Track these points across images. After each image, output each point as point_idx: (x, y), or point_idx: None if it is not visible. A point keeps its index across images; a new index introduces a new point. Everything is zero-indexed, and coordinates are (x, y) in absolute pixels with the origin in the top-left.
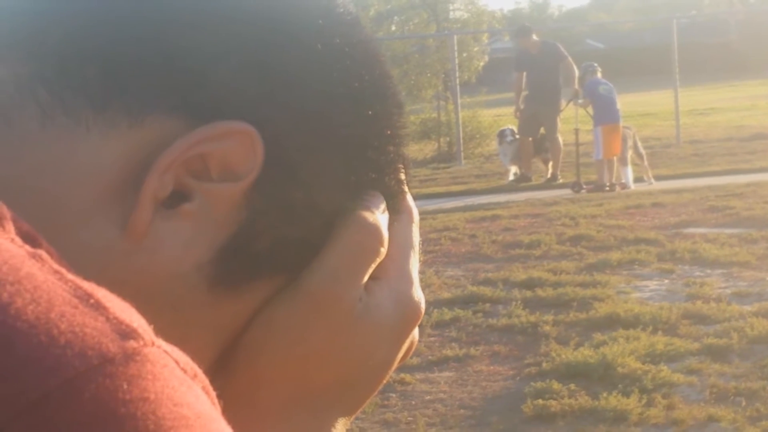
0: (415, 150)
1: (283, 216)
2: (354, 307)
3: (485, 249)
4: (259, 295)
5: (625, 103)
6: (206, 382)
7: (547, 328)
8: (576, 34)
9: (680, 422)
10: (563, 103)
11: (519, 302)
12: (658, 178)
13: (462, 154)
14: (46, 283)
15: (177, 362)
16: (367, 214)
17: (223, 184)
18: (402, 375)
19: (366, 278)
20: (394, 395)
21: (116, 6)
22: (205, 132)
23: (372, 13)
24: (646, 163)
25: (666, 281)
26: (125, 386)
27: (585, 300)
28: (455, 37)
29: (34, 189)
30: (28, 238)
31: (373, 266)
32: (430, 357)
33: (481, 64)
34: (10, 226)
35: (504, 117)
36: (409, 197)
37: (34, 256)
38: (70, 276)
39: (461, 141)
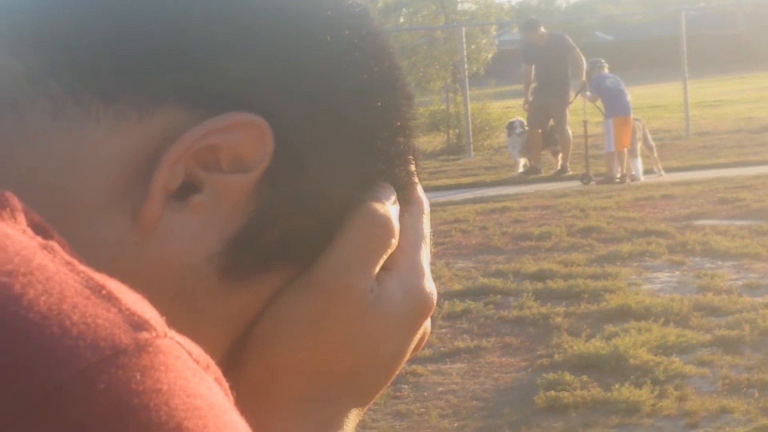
0: (424, 142)
1: (293, 207)
2: (365, 299)
3: (495, 241)
4: (269, 287)
5: (634, 95)
6: (219, 373)
7: (558, 319)
8: (584, 26)
9: (692, 413)
10: (572, 94)
11: (530, 294)
12: (667, 170)
13: (471, 146)
14: (58, 274)
15: (190, 353)
16: (378, 206)
17: (233, 175)
18: (414, 366)
19: (377, 269)
20: (406, 387)
21: None
22: (215, 123)
23: (380, 5)
24: (655, 155)
25: (677, 273)
26: (138, 377)
27: (596, 292)
28: (463, 29)
29: (45, 181)
30: (39, 230)
31: (384, 257)
32: (441, 348)
33: (490, 55)
34: (21, 218)
35: (513, 109)
36: (419, 188)
37: (45, 247)
38: (82, 267)
39: (470, 133)
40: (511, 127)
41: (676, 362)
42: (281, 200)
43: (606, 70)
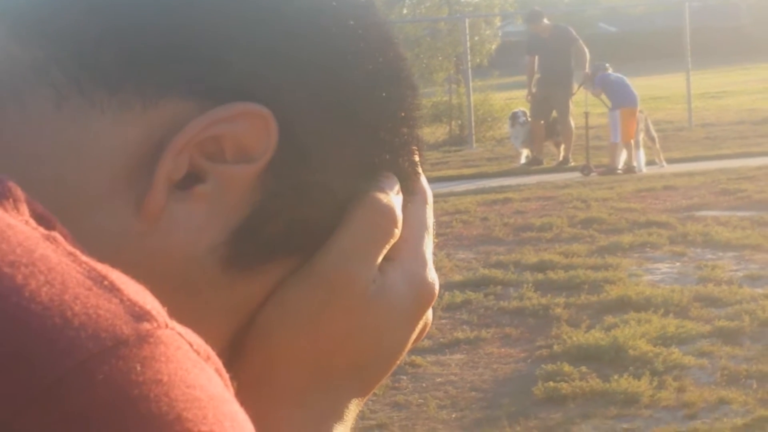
0: (426, 133)
1: (297, 197)
2: (367, 288)
3: (497, 232)
4: (273, 277)
5: (637, 86)
6: (219, 364)
7: (558, 310)
8: (588, 17)
9: (691, 404)
10: (575, 86)
11: (530, 285)
12: (669, 161)
13: (474, 137)
14: (60, 265)
15: (190, 344)
16: (381, 196)
17: (237, 165)
18: (413, 357)
19: (380, 259)
20: (405, 377)
21: None
22: (219, 113)
23: None
24: (658, 146)
25: (677, 264)
26: (138, 368)
27: (596, 283)
28: (467, 20)
29: (48, 171)
30: (42, 220)
31: (387, 247)
32: (441, 339)
33: (493, 47)
34: (24, 208)
35: (516, 100)
36: (423, 179)
37: (48, 238)
38: (84, 258)
39: (473, 124)
40: (514, 117)
41: (676, 353)
42: (285, 191)
43: (610, 71)
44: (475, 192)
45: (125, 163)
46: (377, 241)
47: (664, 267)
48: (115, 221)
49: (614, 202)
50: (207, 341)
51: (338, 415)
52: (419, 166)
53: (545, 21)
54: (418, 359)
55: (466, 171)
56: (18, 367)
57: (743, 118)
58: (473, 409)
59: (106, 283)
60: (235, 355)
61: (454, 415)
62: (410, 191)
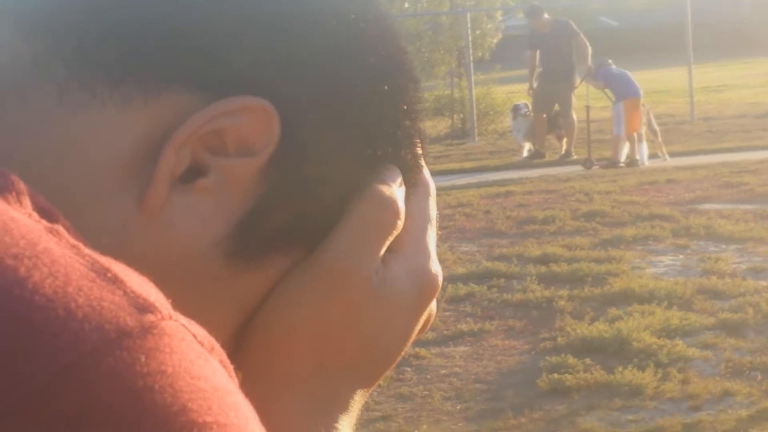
0: (428, 127)
1: (300, 191)
2: (370, 280)
3: (499, 225)
4: (275, 270)
5: (638, 80)
6: (223, 355)
7: (562, 303)
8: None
9: (695, 396)
10: (577, 80)
11: (534, 277)
12: (672, 154)
13: (476, 130)
14: (64, 257)
15: (194, 336)
16: (384, 188)
17: (239, 159)
18: (417, 349)
19: (382, 251)
20: (409, 369)
21: None
22: (221, 107)
23: None
24: (660, 139)
25: (681, 257)
26: (143, 359)
27: (600, 275)
28: (468, 14)
29: (50, 164)
30: (45, 213)
31: (390, 239)
32: (445, 332)
33: (495, 41)
34: (27, 201)
35: (518, 94)
36: (425, 171)
37: (51, 230)
38: (87, 250)
39: (475, 118)
40: (515, 109)
41: (680, 345)
42: (288, 184)
43: (612, 66)
44: (478, 185)
45: (127, 156)
46: (379, 233)
47: (667, 260)
48: (118, 215)
49: (617, 195)
50: (211, 333)
51: (343, 407)
52: (422, 158)
53: (545, 16)
54: (422, 351)
55: (468, 164)
56: (22, 359)
57: (745, 112)
58: (478, 400)
59: (109, 275)
60: (239, 346)
61: (458, 407)
62: (413, 183)
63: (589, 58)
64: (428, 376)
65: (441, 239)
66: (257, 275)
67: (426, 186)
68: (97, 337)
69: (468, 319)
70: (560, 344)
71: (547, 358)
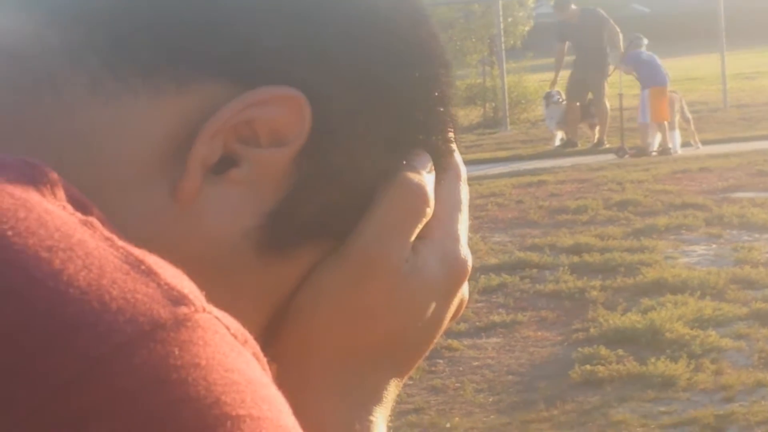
0: (460, 116)
1: (331, 181)
2: (400, 268)
3: (532, 214)
4: (307, 260)
5: (670, 67)
6: (257, 348)
7: (594, 293)
8: None
9: (728, 387)
10: (611, 68)
11: (566, 268)
12: (704, 142)
13: (508, 119)
14: (98, 249)
15: (228, 328)
16: (413, 175)
17: (271, 149)
18: (449, 341)
19: (412, 239)
20: (441, 361)
21: None
22: (252, 97)
23: None
24: (692, 127)
25: (714, 246)
26: (176, 352)
27: (632, 265)
28: (500, 2)
29: (83, 155)
30: (79, 205)
31: (420, 227)
32: (477, 323)
33: (527, 29)
34: (61, 194)
35: (550, 82)
36: (456, 154)
37: (85, 223)
38: (121, 242)
39: (507, 106)
40: (548, 97)
41: (713, 336)
42: (319, 174)
43: (644, 48)
44: (510, 175)
45: (159, 146)
46: (409, 221)
47: (700, 249)
48: (150, 205)
49: (649, 184)
50: (243, 325)
51: (377, 398)
52: (453, 142)
53: (573, 7)
54: (454, 343)
55: (500, 153)
56: (56, 351)
57: None
58: (510, 392)
59: (143, 267)
60: (271, 339)
61: (491, 399)
62: (443, 168)
63: (621, 45)
64: (460, 368)
65: (473, 229)
66: (288, 266)
67: (456, 170)
68: (131, 330)
69: (500, 310)
70: (593, 335)
71: (580, 349)
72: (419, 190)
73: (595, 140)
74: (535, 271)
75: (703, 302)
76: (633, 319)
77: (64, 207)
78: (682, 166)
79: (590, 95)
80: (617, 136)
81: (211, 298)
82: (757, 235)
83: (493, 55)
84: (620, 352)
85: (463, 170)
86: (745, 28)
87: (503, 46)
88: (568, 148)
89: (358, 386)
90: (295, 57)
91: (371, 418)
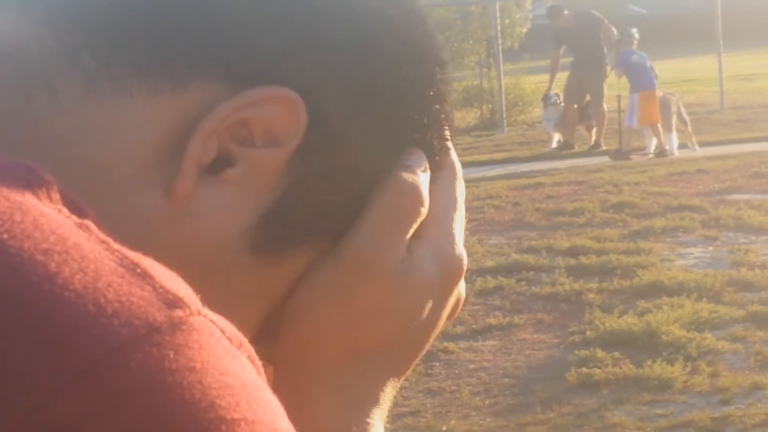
0: (457, 118)
1: (326, 181)
2: (395, 268)
3: (528, 217)
4: (302, 261)
5: (668, 68)
6: (252, 351)
7: (591, 296)
8: None
9: (725, 390)
10: (608, 68)
11: (563, 270)
12: (701, 144)
13: (505, 121)
14: (93, 252)
15: (223, 331)
16: (407, 175)
17: (266, 149)
18: (446, 344)
19: (407, 238)
20: (437, 364)
21: None
22: (247, 97)
23: None
24: (689, 129)
25: (710, 248)
26: (172, 355)
27: (629, 267)
28: (497, 3)
29: (79, 155)
30: (74, 208)
31: (414, 227)
32: (473, 326)
33: (524, 30)
34: (57, 196)
35: (547, 84)
36: (452, 152)
37: (81, 226)
38: (117, 245)
39: (504, 108)
40: (546, 98)
41: (709, 338)
42: (314, 174)
43: (635, 45)
44: (507, 177)
45: (155, 147)
46: (403, 221)
47: (696, 251)
48: (145, 205)
49: (646, 186)
50: (238, 325)
51: (374, 399)
52: (449, 141)
53: (565, 12)
54: (451, 345)
55: (497, 155)
56: (51, 354)
57: None
58: (506, 395)
59: (138, 270)
60: (267, 340)
61: (487, 402)
62: (439, 166)
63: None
64: (457, 371)
65: (470, 232)
66: (283, 266)
67: (452, 167)
68: (126, 333)
69: (496, 312)
70: (589, 338)
71: (576, 351)
72: (413, 190)
73: (592, 142)
74: (531, 273)
75: (700, 304)
76: (629, 321)
77: (59, 210)
78: (679, 168)
79: (588, 97)
80: (614, 138)
81: (207, 299)
82: (753, 237)
83: (490, 56)
84: (617, 354)
85: (459, 168)
86: (742, 29)
87: (500, 47)
88: (565, 150)
89: (354, 387)
90: (290, 57)
91: (368, 419)
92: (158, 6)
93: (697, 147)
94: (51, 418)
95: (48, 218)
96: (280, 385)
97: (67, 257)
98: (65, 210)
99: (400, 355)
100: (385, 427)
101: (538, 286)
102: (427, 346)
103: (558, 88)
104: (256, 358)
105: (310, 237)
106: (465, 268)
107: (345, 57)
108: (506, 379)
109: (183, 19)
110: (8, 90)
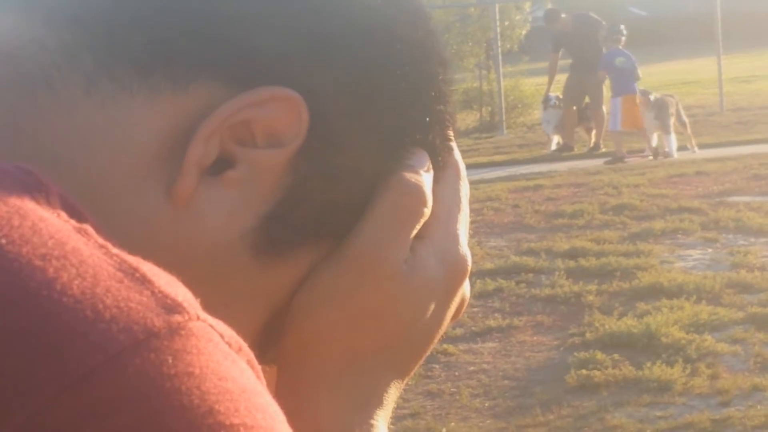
0: (457, 120)
1: (328, 181)
2: (399, 269)
3: (528, 219)
4: (304, 262)
5: (667, 71)
6: (251, 355)
7: (590, 298)
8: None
9: (724, 392)
10: None
11: (562, 272)
12: (701, 146)
13: (504, 123)
14: (92, 257)
15: (222, 336)
16: (410, 175)
17: (267, 150)
18: (445, 346)
19: (411, 239)
20: (437, 366)
21: None
22: (249, 97)
23: None
24: (689, 131)
25: (710, 250)
26: (170, 360)
27: (628, 269)
28: (497, 5)
29: (79, 156)
30: (73, 213)
31: (417, 227)
32: (473, 328)
33: (523, 32)
34: (56, 201)
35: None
36: (455, 152)
37: (79, 230)
38: (116, 250)
39: (503, 110)
40: (546, 100)
41: (709, 340)
42: (316, 175)
43: (622, 44)
44: (506, 179)
45: (155, 148)
46: (406, 222)
47: (696, 253)
48: (146, 206)
49: (645, 188)
50: (239, 328)
51: (378, 401)
52: (452, 141)
53: (563, 15)
54: (450, 348)
55: (497, 158)
56: (50, 360)
57: None
58: (506, 397)
59: (137, 275)
60: (271, 342)
61: (487, 404)
62: (442, 166)
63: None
64: (456, 373)
65: (469, 234)
66: (285, 268)
67: (455, 167)
68: (124, 339)
69: (496, 314)
70: (589, 340)
71: (576, 353)
72: (417, 190)
73: (592, 144)
74: (531, 275)
75: (699, 306)
76: (629, 323)
77: (58, 214)
78: (679, 170)
79: (587, 99)
80: (613, 140)
81: (208, 301)
82: (753, 239)
83: (490, 59)
84: (616, 356)
85: (463, 168)
86: (741, 31)
87: (500, 49)
88: (564, 152)
89: (357, 388)
90: (291, 58)
91: (371, 420)
92: (159, 6)
93: (696, 149)
94: (50, 423)
95: (46, 223)
96: (283, 385)
97: (66, 262)
98: (64, 214)
99: (403, 356)
100: (388, 428)
101: (538, 288)
102: (431, 347)
103: (557, 91)
104: (255, 362)
105: (312, 238)
106: (469, 268)
107: (346, 57)
108: (506, 381)
109: (184, 19)
110: (8, 90)
